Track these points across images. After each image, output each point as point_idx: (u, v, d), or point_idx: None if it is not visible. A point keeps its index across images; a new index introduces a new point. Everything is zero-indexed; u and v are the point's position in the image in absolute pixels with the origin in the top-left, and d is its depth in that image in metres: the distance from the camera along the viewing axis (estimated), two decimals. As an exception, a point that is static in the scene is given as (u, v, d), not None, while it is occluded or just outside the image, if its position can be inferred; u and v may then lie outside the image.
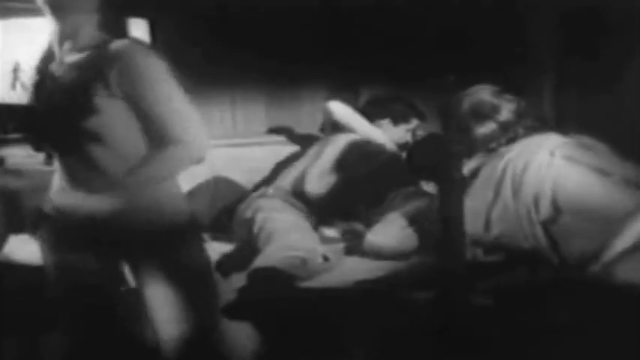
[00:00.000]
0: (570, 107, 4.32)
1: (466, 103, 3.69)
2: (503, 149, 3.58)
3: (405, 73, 4.35)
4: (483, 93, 3.72)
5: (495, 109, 3.68)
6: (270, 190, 4.01)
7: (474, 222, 3.33)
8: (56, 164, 2.56)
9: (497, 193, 3.45)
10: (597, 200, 3.27)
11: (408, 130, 4.35)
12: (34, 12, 3.54)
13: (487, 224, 3.41)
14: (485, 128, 3.69)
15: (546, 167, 3.37)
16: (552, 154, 3.42)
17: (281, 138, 4.61)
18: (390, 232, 3.64)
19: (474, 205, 3.37)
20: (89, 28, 2.47)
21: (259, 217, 3.79)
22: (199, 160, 2.40)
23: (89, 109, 2.36)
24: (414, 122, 4.36)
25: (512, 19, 4.41)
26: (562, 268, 3.26)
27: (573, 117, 4.22)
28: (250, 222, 3.82)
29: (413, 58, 4.41)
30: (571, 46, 4.26)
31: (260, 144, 4.54)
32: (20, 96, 3.44)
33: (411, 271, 3.42)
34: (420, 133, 4.36)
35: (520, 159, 3.45)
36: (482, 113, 3.68)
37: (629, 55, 3.99)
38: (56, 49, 2.49)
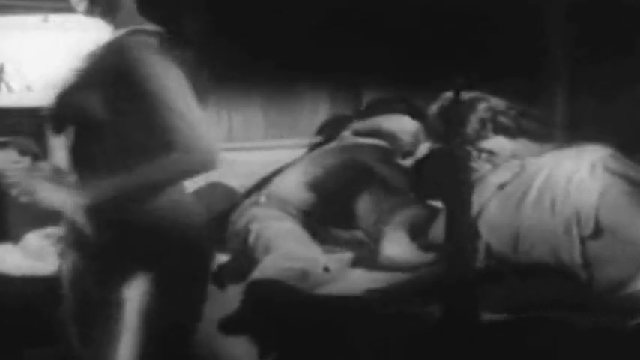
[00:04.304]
0: (584, 113, 4.31)
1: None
2: (531, 162, 3.49)
3: (410, 74, 4.29)
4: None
5: (474, 103, 3.61)
6: (263, 197, 3.96)
7: (500, 235, 3.31)
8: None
9: (531, 206, 3.38)
10: (636, 224, 3.22)
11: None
12: (23, 9, 3.45)
13: (516, 238, 3.35)
14: (469, 126, 3.63)
15: (590, 181, 3.31)
16: (594, 166, 3.35)
17: (279, 142, 4.57)
18: (405, 244, 3.61)
19: (502, 218, 3.35)
20: (128, 10, 2.36)
21: (255, 227, 3.74)
22: (209, 169, 2.27)
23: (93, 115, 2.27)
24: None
25: (524, 18, 4.37)
26: (589, 288, 3.21)
27: (587, 123, 4.22)
28: (245, 231, 3.77)
29: (418, 58, 4.38)
30: (584, 44, 4.21)
31: (258, 148, 4.52)
32: (5, 97, 3.37)
33: (418, 281, 3.36)
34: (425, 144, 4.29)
35: (559, 172, 3.39)
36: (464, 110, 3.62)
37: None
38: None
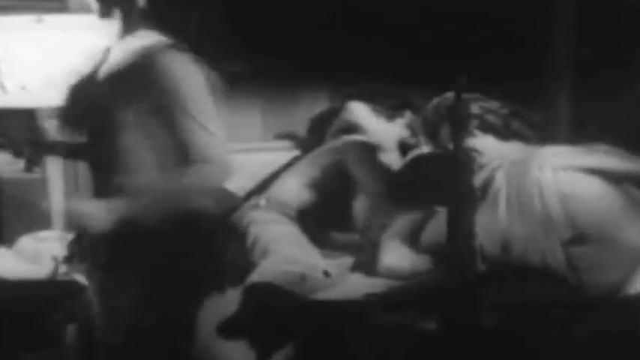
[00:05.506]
0: (586, 113, 4.29)
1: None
2: (504, 163, 3.45)
3: (410, 74, 4.27)
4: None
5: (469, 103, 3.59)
6: (263, 200, 3.93)
7: (490, 237, 3.25)
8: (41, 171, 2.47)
9: (506, 209, 3.32)
10: (614, 221, 3.16)
11: (404, 125, 4.20)
12: (17, 9, 3.43)
13: (506, 240, 3.29)
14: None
15: (553, 182, 3.25)
16: (540, 167, 3.29)
17: (279, 144, 4.51)
18: (403, 252, 3.57)
19: (490, 220, 3.29)
20: (135, 19, 2.39)
21: (253, 230, 3.72)
22: (224, 180, 2.48)
23: (116, 125, 2.34)
24: (408, 115, 4.20)
25: (525, 18, 4.36)
26: (579, 291, 3.17)
27: (589, 123, 4.19)
28: (243, 234, 3.74)
29: (418, 58, 4.37)
30: (585, 45, 4.20)
31: (257, 150, 4.46)
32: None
33: (418, 286, 3.34)
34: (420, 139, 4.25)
35: (526, 174, 3.33)
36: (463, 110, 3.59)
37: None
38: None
